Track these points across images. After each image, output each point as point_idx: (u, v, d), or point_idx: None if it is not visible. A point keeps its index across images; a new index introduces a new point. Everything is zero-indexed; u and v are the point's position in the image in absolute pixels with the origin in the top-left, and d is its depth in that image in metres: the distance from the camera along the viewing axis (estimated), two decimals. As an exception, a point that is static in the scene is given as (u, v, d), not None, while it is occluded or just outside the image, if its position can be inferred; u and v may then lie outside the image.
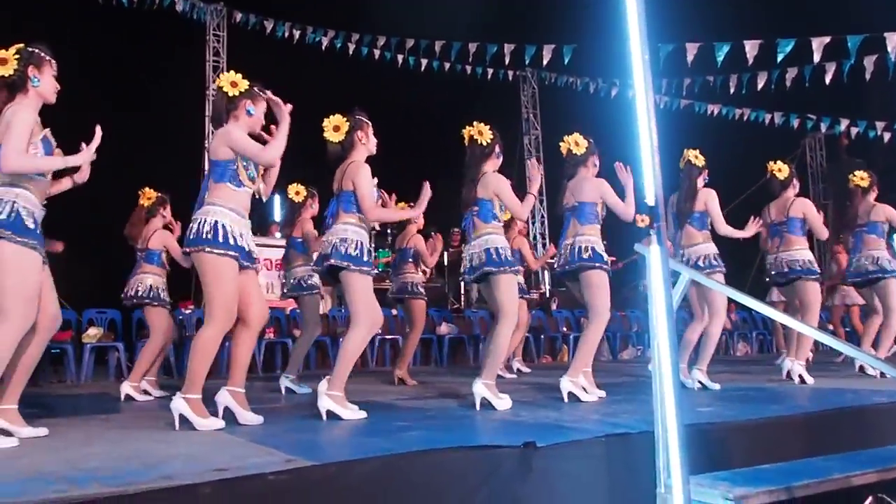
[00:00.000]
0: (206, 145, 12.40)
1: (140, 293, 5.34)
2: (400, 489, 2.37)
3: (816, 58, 9.66)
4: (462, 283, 12.37)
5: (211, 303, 3.41)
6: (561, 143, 4.72)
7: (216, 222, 3.40)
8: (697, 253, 5.14)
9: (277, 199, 12.05)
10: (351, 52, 12.25)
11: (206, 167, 3.64)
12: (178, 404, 3.31)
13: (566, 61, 10.96)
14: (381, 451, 2.58)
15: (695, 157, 5.23)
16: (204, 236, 3.37)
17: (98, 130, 3.34)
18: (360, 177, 3.86)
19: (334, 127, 3.98)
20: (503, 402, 4.00)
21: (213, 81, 12.59)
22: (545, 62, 11.19)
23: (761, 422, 3.30)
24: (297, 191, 5.82)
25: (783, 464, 2.74)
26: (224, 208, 3.44)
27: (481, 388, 4.00)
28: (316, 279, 5.71)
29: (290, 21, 12.22)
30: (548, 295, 12.25)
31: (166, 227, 5.63)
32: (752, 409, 3.70)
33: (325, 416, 3.59)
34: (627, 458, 2.72)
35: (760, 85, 11.31)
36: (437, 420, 3.70)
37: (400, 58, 12.35)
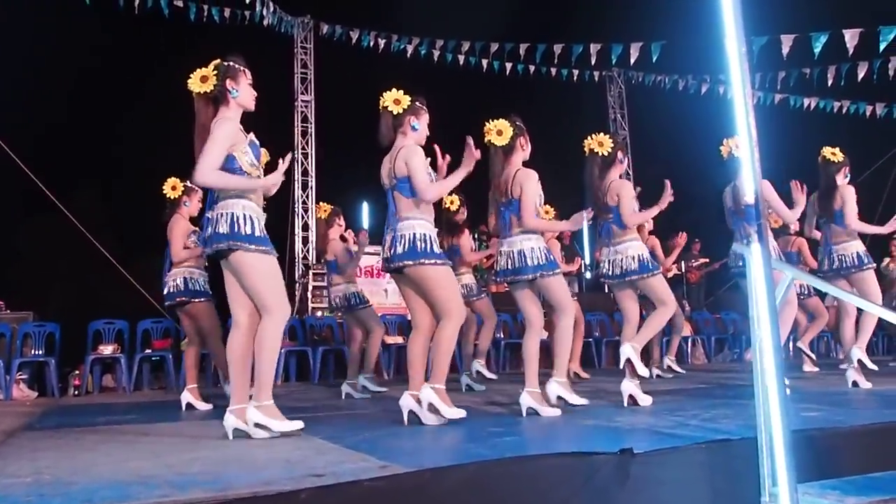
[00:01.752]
0: (296, 156, 12.78)
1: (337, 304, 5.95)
2: (495, 496, 2.35)
3: (922, 44, 9.14)
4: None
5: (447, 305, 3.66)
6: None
7: (428, 236, 3.67)
8: (846, 250, 5.09)
9: (366, 205, 12.32)
10: (435, 59, 12.38)
11: (384, 184, 3.82)
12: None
13: (654, 59, 10.75)
14: (476, 457, 2.58)
15: (831, 153, 5.17)
16: (429, 249, 3.66)
17: (288, 156, 3.66)
18: (529, 183, 4.03)
19: (498, 131, 4.09)
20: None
21: (301, 92, 12.98)
22: (633, 61, 11.00)
23: (874, 427, 3.13)
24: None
25: (898, 472, 2.60)
26: (426, 221, 3.71)
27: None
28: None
29: (374, 31, 12.45)
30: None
31: (342, 237, 6.08)
32: (864, 415, 3.52)
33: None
34: (729, 465, 2.63)
35: (861, 75, 10.78)
36: (530, 425, 3.68)
37: (484, 62, 12.40)
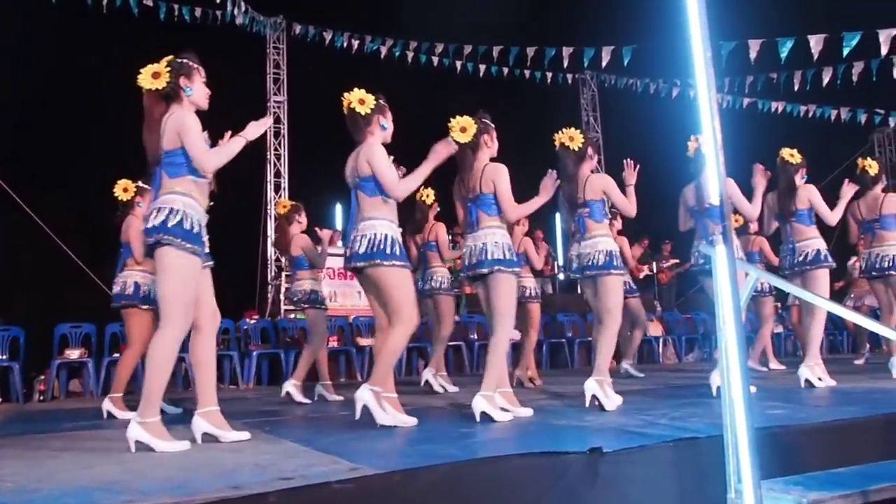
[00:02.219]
0: (268, 157, 12.70)
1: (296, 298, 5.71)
2: (466, 497, 2.36)
3: (884, 50, 9.35)
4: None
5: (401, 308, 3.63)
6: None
7: (390, 237, 3.62)
8: (808, 247, 5.15)
9: (339, 207, 12.27)
10: (410, 60, 12.38)
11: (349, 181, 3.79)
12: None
13: (626, 62, 10.86)
14: (447, 458, 2.58)
15: (790, 154, 5.27)
16: (388, 251, 3.58)
17: (270, 118, 3.71)
18: (501, 176, 3.98)
19: (461, 128, 4.04)
20: (612, 401, 4.09)
21: (274, 93, 12.90)
22: (604, 64, 11.10)
23: (836, 424, 3.19)
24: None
25: (859, 467, 2.65)
26: (389, 222, 3.67)
27: (594, 385, 4.09)
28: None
29: (348, 31, 12.42)
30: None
31: (304, 232, 5.90)
32: (826, 412, 3.58)
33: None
34: (696, 463, 2.66)
35: (826, 80, 10.99)
36: (501, 426, 3.69)
37: (458, 64, 12.42)
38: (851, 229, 5.94)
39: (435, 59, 12.34)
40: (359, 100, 3.72)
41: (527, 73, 12.82)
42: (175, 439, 3.12)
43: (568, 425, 3.58)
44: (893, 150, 17.17)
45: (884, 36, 9.14)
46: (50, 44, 10.86)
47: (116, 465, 2.77)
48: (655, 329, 10.43)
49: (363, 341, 8.96)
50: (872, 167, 5.74)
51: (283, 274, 11.15)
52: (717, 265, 2.13)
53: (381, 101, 3.78)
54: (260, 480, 2.28)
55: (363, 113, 3.72)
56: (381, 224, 3.64)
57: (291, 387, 5.39)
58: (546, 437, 3.28)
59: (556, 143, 4.47)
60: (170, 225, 3.14)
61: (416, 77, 12.35)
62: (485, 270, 3.91)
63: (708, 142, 2.13)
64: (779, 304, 13.16)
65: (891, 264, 5.52)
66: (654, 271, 11.18)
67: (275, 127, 12.81)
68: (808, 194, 5.20)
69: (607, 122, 16.02)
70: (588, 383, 4.11)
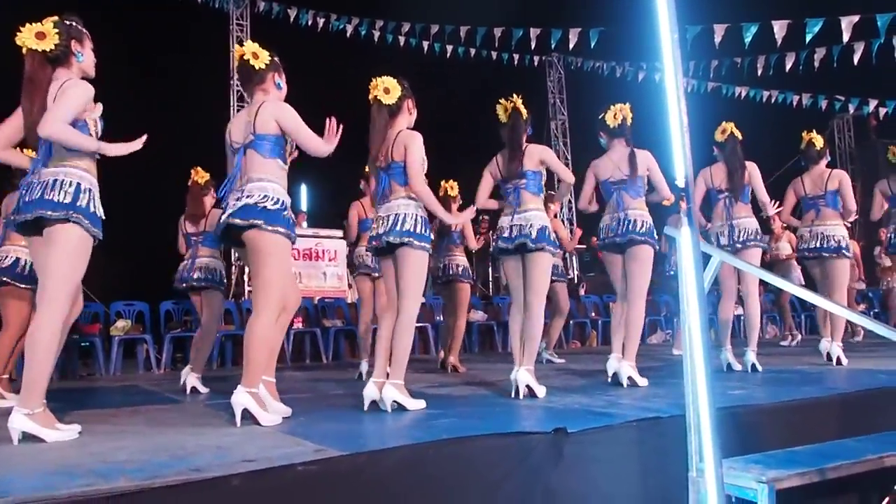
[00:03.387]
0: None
1: (201, 276, 5.15)
2: (431, 477, 2.37)
3: (845, 37, 9.49)
4: (490, 270, 12.35)
5: (269, 286, 3.27)
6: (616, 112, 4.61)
7: (281, 200, 3.30)
8: (743, 226, 5.11)
9: (304, 188, 12.14)
10: (376, 39, 12.25)
11: (237, 141, 3.44)
12: (242, 398, 3.11)
13: (592, 45, 10.88)
14: (412, 440, 2.59)
15: (734, 128, 5.20)
16: (279, 214, 3.25)
17: (143, 138, 3.18)
18: (414, 144, 3.66)
19: (385, 89, 3.74)
20: (541, 389, 3.96)
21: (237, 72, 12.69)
22: (571, 46, 11.11)
23: (794, 404, 3.27)
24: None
25: (816, 445, 2.72)
26: (281, 186, 3.34)
27: (525, 375, 3.94)
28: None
29: (313, 9, 12.23)
30: (576, 280, 12.21)
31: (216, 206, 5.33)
32: (785, 392, 3.66)
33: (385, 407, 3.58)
34: (659, 442, 2.71)
35: (789, 66, 11.13)
36: (468, 407, 3.71)
37: (425, 44, 12.31)
38: (787, 206, 5.74)
39: (402, 39, 12.21)
40: (252, 53, 3.50)
41: (493, 54, 12.78)
42: (64, 426, 2.98)
43: (532, 405, 3.61)
44: (852, 136, 17.52)
45: (846, 23, 9.27)
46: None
47: (75, 448, 2.71)
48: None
49: (328, 322, 8.92)
50: (818, 141, 5.64)
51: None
52: (680, 246, 2.15)
53: (275, 60, 3.56)
54: (222, 463, 2.26)
55: (257, 67, 3.48)
56: (271, 186, 3.30)
57: (194, 379, 5.01)
58: (511, 417, 3.30)
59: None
60: (79, 204, 2.95)
61: (382, 56, 12.23)
62: (395, 240, 3.59)
63: (674, 125, 2.13)
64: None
65: (838, 245, 5.38)
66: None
67: (238, 105, 12.59)
68: (752, 171, 5.18)
69: (574, 105, 16.08)
70: (520, 374, 3.94)
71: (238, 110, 12.55)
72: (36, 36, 3.05)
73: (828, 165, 5.68)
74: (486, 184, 4.33)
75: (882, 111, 13.03)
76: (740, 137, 5.21)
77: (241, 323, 8.50)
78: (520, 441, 2.54)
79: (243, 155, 3.38)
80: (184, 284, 5.21)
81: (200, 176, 5.46)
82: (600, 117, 4.67)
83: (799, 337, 8.60)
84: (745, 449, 2.60)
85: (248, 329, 3.22)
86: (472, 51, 12.47)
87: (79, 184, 2.99)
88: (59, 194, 2.94)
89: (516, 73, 13.50)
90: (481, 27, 11.73)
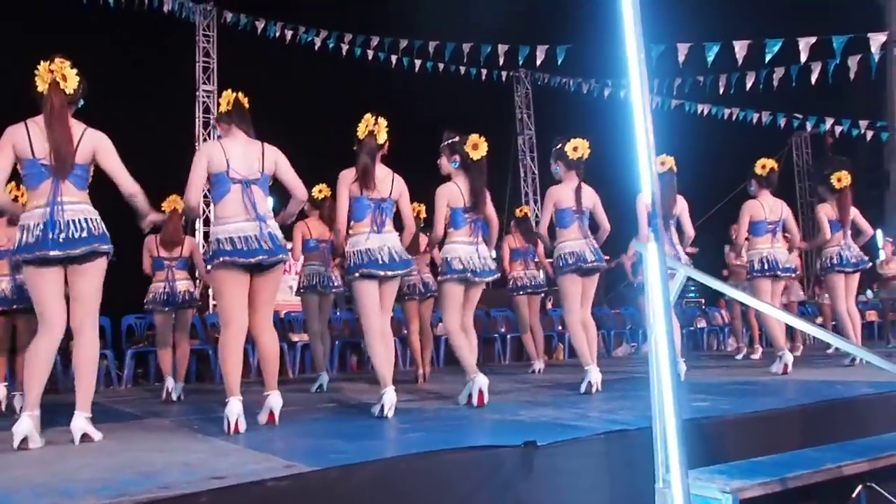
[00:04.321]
0: (197, 146, 12.38)
1: (177, 298, 5.52)
2: (401, 492, 2.37)
3: (803, 58, 9.78)
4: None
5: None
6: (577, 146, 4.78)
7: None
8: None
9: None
10: (344, 53, 12.26)
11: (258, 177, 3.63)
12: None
13: (559, 62, 11.03)
14: (382, 455, 2.59)
15: (672, 163, 5.40)
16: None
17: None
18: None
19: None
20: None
21: (203, 82, 12.59)
22: (539, 63, 11.26)
23: (756, 415, 3.34)
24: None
25: (777, 455, 2.78)
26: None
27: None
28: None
29: (281, 21, 12.22)
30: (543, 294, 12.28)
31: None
32: (748, 403, 3.73)
33: None
34: (627, 454, 2.74)
35: (749, 84, 11.42)
36: (437, 421, 3.71)
37: (393, 58, 12.37)
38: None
39: (370, 53, 12.25)
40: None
41: (462, 69, 12.87)
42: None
43: (502, 419, 3.63)
44: (810, 153, 17.98)
45: (803, 44, 9.55)
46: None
47: (38, 467, 2.66)
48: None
49: (295, 337, 8.85)
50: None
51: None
52: (647, 262, 2.19)
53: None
54: (190, 480, 2.23)
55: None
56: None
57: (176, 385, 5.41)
58: (481, 431, 3.32)
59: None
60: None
61: (350, 70, 12.26)
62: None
63: (640, 141, 2.18)
64: (703, 300, 13.63)
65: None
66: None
67: (204, 117, 12.50)
68: (682, 202, 5.48)
69: (541, 120, 16.25)
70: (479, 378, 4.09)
71: (204, 122, 12.53)
72: (63, 77, 3.24)
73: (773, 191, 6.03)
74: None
75: (838, 129, 13.41)
76: (675, 171, 5.43)
77: (205, 337, 8.40)
78: (490, 454, 2.55)
79: (248, 187, 3.54)
80: (166, 308, 5.56)
81: (179, 204, 5.63)
82: (560, 147, 4.79)
83: (760, 350, 8.74)
84: (710, 460, 2.64)
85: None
86: (441, 65, 12.56)
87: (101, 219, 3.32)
88: (98, 230, 3.27)
89: (484, 88, 13.63)
90: (450, 42, 11.83)
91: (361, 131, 4.04)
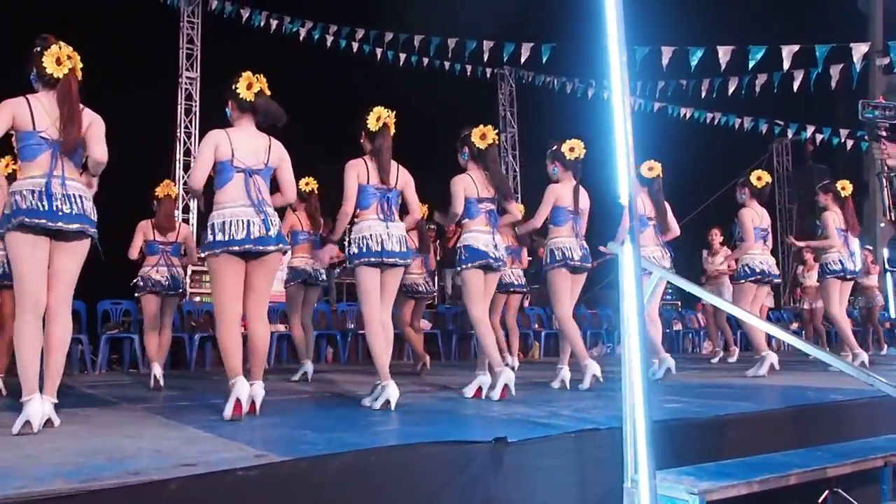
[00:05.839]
0: (178, 133, 12.28)
1: (170, 283, 5.48)
2: (371, 484, 2.37)
3: (786, 65, 9.88)
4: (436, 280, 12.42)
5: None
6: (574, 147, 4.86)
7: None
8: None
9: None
10: (328, 45, 12.20)
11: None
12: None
13: (544, 60, 11.05)
14: (353, 446, 2.58)
15: (648, 168, 5.58)
16: None
17: None
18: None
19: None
20: None
21: (186, 69, 12.47)
22: (523, 60, 11.27)
23: (727, 418, 3.37)
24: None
25: (745, 459, 2.81)
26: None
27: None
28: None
29: (266, 10, 12.13)
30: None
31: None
32: (719, 406, 3.77)
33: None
34: (596, 453, 2.76)
35: (732, 90, 11.53)
36: (411, 415, 3.71)
37: (378, 51, 12.33)
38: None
39: (355, 45, 12.20)
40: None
41: (446, 64, 12.86)
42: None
43: (475, 415, 3.64)
44: (790, 159, 18.17)
45: (786, 52, 9.65)
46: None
47: (8, 450, 2.63)
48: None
49: (274, 328, 8.82)
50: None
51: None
52: (622, 263, 2.21)
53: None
54: (161, 466, 2.22)
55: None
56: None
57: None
58: (453, 426, 3.32)
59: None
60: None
61: (334, 62, 12.20)
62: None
63: (620, 142, 2.20)
64: (679, 303, 13.75)
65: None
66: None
67: (186, 104, 12.39)
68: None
69: (524, 118, 16.29)
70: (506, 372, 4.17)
71: (185, 109, 12.41)
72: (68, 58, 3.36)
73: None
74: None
75: (819, 137, 13.57)
76: (654, 174, 5.58)
77: (181, 325, 8.35)
78: (461, 449, 2.56)
79: (251, 176, 3.54)
80: (171, 291, 5.49)
81: (172, 189, 5.73)
82: (556, 148, 4.85)
83: (737, 352, 8.83)
84: (679, 461, 2.67)
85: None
86: (426, 60, 12.54)
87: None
88: (90, 211, 3.25)
89: (468, 84, 13.63)
90: (435, 37, 11.81)
91: (373, 123, 4.06)
